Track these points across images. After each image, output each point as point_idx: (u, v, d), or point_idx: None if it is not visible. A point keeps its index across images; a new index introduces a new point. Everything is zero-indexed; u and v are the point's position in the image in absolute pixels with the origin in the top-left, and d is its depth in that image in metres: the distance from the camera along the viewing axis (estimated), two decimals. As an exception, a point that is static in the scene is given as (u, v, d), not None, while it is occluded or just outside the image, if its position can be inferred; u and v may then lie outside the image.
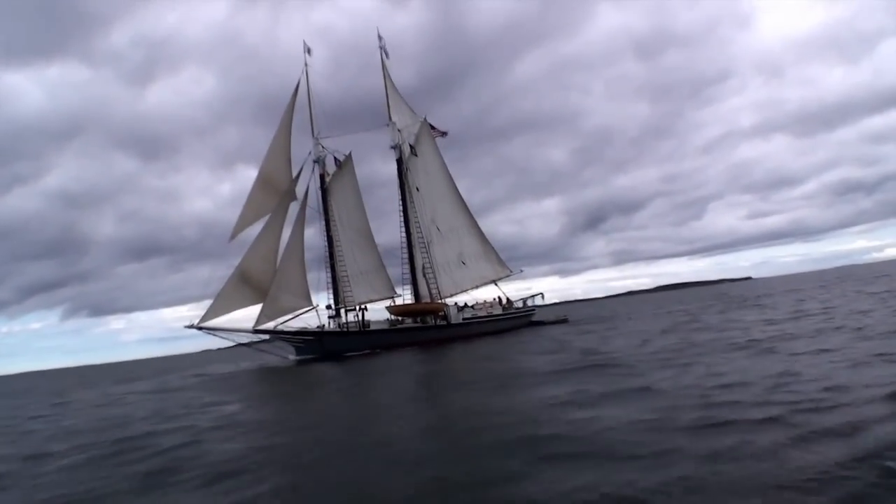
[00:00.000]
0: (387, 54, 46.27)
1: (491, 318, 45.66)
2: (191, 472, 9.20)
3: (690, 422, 8.68)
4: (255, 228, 41.76)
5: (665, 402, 10.27)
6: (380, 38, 46.05)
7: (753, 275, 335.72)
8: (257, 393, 24.85)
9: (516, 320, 47.45)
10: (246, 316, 42.17)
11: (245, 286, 40.50)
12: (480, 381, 17.08)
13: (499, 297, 48.45)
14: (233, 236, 41.17)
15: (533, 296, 50.26)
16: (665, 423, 8.79)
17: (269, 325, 40.52)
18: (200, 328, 38.74)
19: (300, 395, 20.92)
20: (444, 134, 48.10)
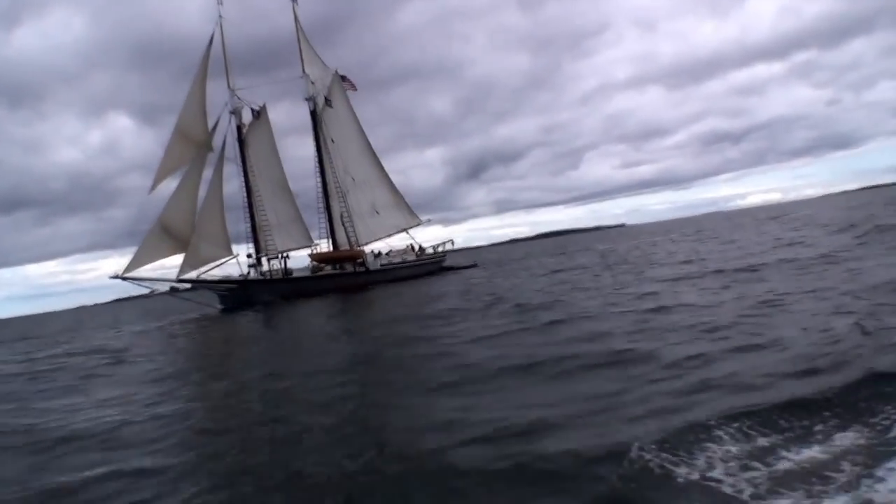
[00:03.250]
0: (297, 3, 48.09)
1: (406, 265, 49.58)
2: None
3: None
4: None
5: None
6: (291, -11, 47.72)
7: (627, 222, 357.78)
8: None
9: (430, 266, 51.59)
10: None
11: (166, 236, 42.34)
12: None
13: (411, 245, 52.31)
14: (152, 188, 42.82)
15: (443, 242, 54.53)
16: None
17: (192, 274, 42.62)
18: (125, 278, 40.39)
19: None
20: (354, 88, 50.67)
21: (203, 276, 42.99)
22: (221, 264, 44.17)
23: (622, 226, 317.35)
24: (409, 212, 53.08)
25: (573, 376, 9.06)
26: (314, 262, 46.76)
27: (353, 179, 49.02)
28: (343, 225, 47.66)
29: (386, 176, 52.11)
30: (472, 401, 8.24)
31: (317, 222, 48.52)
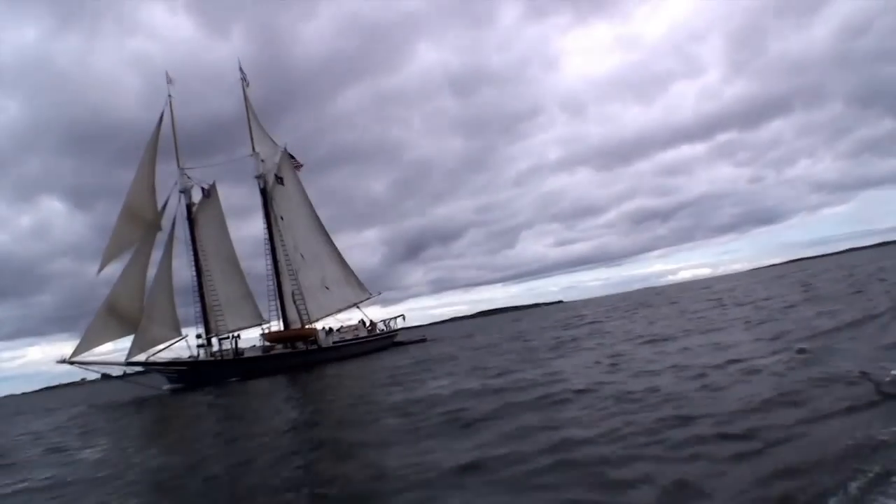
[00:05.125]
0: (247, 83, 49.51)
1: (358, 341, 49.92)
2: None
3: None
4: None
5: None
6: (241, 70, 49.31)
7: (564, 298, 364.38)
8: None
9: (382, 341, 52.01)
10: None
11: (114, 319, 41.91)
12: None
13: (362, 320, 52.74)
14: (100, 269, 42.50)
15: (394, 318, 55.22)
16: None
17: (141, 356, 42.00)
18: (72, 363, 39.57)
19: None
20: (300, 166, 51.91)
21: (152, 359, 42.41)
22: (170, 345, 43.76)
23: (560, 302, 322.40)
24: (359, 286, 53.79)
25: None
26: (266, 342, 46.58)
27: (303, 256, 49.60)
28: (294, 302, 47.86)
29: (335, 251, 52.99)
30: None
31: (267, 301, 48.54)
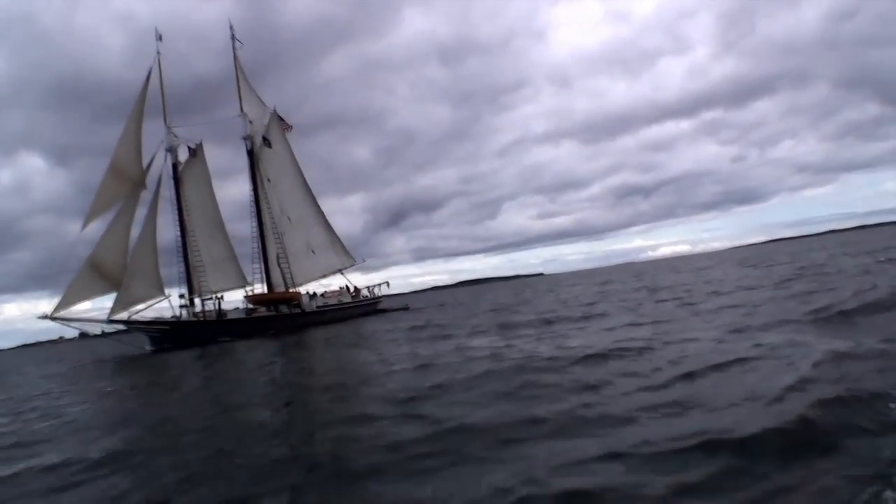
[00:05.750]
0: (240, 44, 48.95)
1: (342, 306, 50.13)
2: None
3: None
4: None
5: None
6: (232, 30, 48.67)
7: (544, 271, 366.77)
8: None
9: (365, 307, 52.25)
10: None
11: (96, 275, 41.72)
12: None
13: (346, 286, 52.89)
14: (84, 226, 42.14)
15: (378, 285, 55.43)
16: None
17: (124, 314, 41.94)
18: (54, 319, 39.44)
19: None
20: (289, 127, 51.57)
21: (134, 317, 42.36)
22: (153, 305, 43.72)
23: (541, 275, 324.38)
24: (345, 252, 53.82)
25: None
26: (249, 305, 46.63)
27: (290, 219, 49.47)
28: (279, 265, 47.86)
29: (322, 215, 52.86)
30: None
31: (251, 264, 48.45)
